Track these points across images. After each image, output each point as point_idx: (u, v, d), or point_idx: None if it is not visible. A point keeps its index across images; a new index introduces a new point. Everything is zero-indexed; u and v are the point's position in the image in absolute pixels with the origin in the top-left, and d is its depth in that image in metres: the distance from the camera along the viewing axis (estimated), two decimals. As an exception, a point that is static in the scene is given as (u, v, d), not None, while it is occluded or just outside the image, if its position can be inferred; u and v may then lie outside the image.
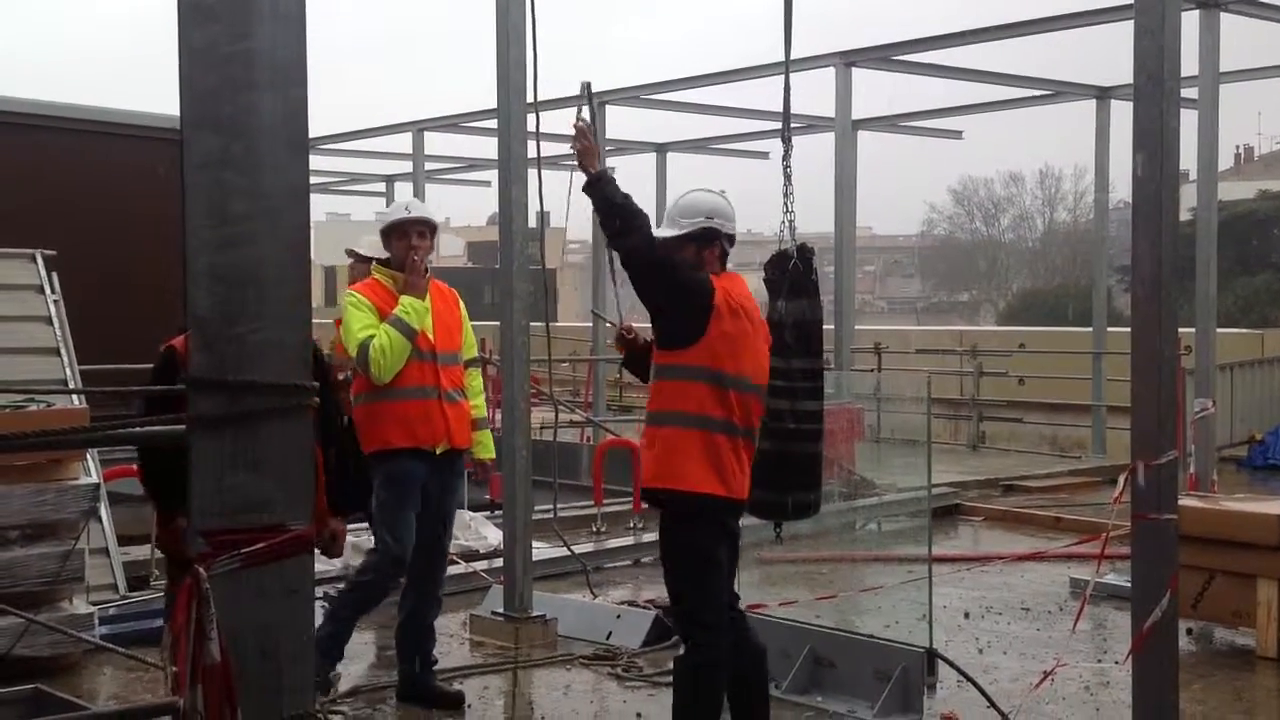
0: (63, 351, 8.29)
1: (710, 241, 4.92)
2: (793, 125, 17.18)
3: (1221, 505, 7.24)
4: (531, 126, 7.21)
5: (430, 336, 5.89)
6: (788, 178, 5.70)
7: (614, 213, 4.68)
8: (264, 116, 2.72)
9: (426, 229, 6.03)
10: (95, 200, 14.61)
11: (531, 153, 7.20)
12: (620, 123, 19.91)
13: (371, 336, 5.72)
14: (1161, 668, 4.73)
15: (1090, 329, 16.06)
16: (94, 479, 6.25)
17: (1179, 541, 6.95)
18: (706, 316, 4.72)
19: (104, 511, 7.85)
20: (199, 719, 2.66)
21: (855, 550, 9.45)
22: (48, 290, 8.48)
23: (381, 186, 23.64)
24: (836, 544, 9.05)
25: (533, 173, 7.23)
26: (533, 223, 7.76)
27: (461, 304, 6.25)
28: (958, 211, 64.42)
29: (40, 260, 8.57)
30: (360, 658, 6.85)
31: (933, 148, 18.26)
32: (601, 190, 4.72)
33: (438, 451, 5.84)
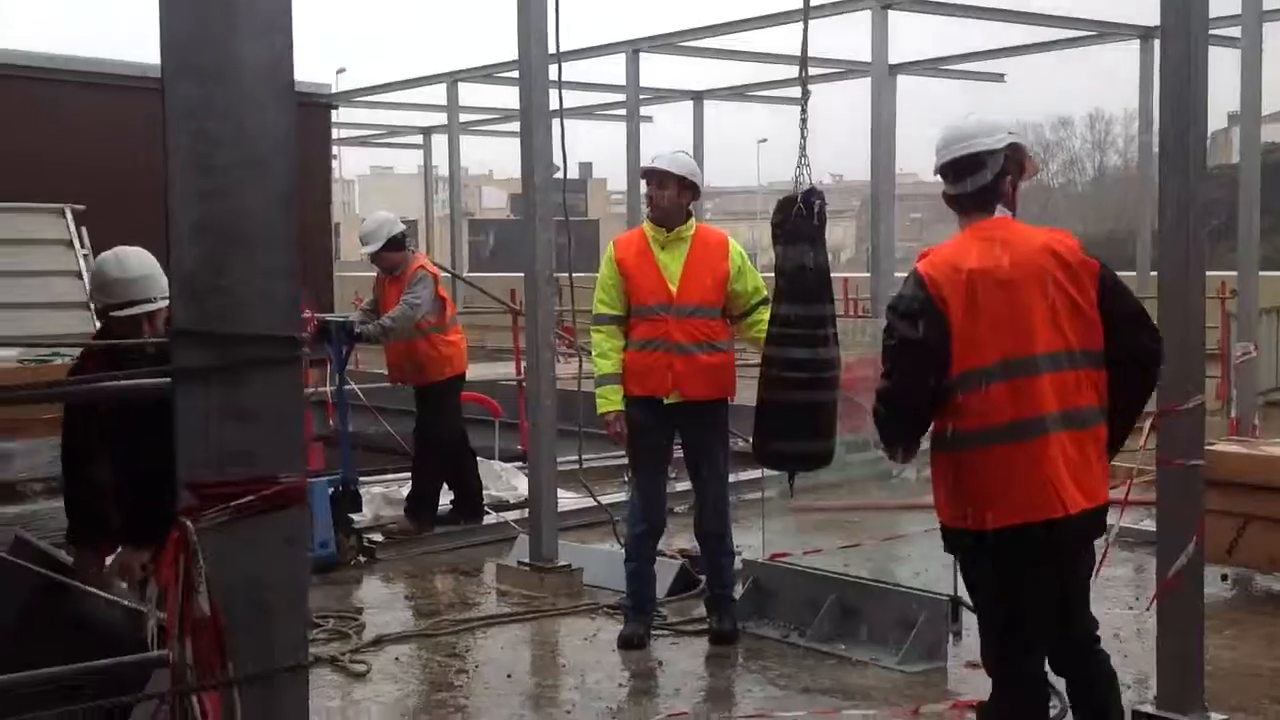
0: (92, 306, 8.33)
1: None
2: (831, 70, 17.03)
3: (1256, 450, 7.12)
4: (554, 75, 7.17)
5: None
6: (804, 123, 5.62)
7: (880, 434, 4.01)
8: (246, 65, 2.68)
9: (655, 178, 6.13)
10: (123, 154, 14.69)
11: (555, 103, 7.16)
12: (656, 71, 19.82)
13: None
14: (1186, 616, 4.67)
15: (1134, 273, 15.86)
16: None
17: (1212, 487, 6.90)
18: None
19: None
20: (189, 672, 2.66)
21: (888, 498, 9.39)
22: (77, 245, 8.52)
23: (420, 139, 23.64)
24: (871, 492, 8.98)
25: (556, 122, 7.21)
26: (571, 173, 7.73)
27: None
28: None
29: (69, 215, 8.62)
30: (386, 607, 6.90)
31: (978, 91, 17.96)
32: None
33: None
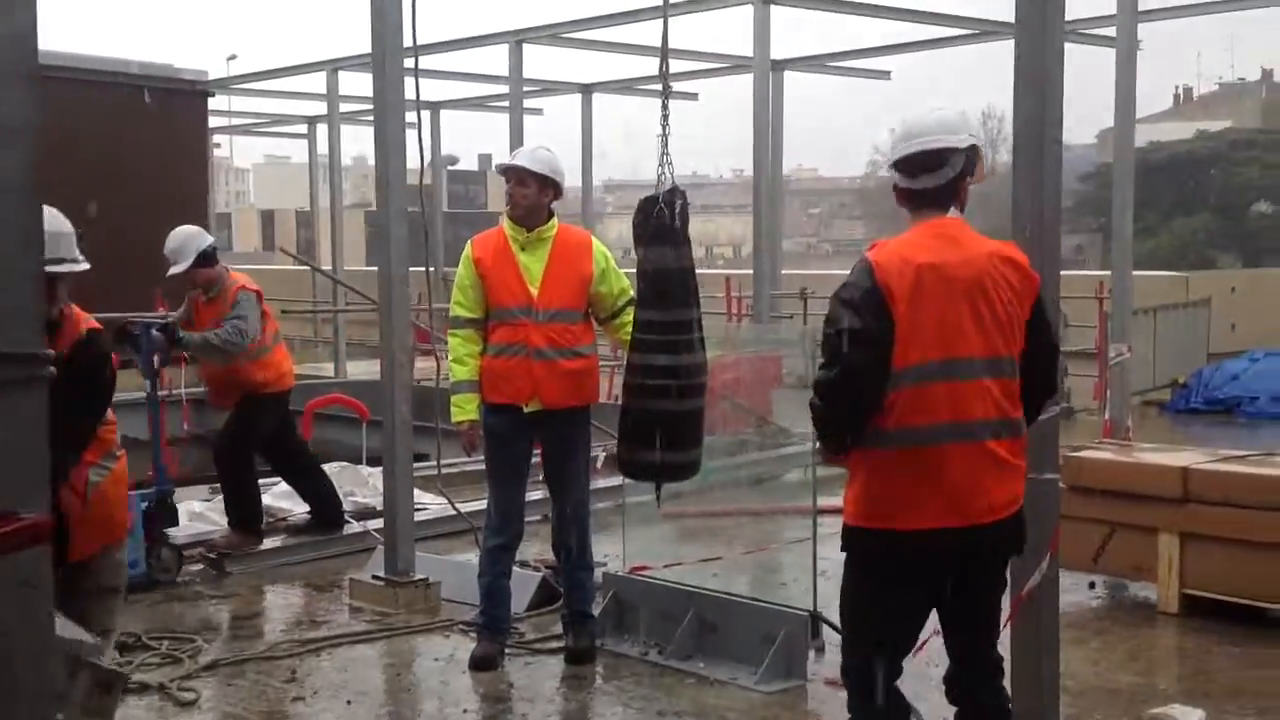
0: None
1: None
2: (719, 65, 16.80)
3: (1125, 455, 7.05)
4: (409, 64, 6.84)
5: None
6: (665, 120, 5.40)
7: (817, 430, 3.86)
8: (-28, 46, 2.38)
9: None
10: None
11: (410, 93, 6.84)
12: (543, 63, 19.53)
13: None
14: (1040, 635, 4.50)
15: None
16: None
17: (1078, 494, 6.82)
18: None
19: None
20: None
21: (774, 502, 9.22)
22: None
23: (304, 128, 23.07)
24: (753, 496, 8.80)
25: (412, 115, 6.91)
26: (470, 164, 7.38)
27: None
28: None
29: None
30: (228, 626, 6.55)
31: (864, 89, 17.99)
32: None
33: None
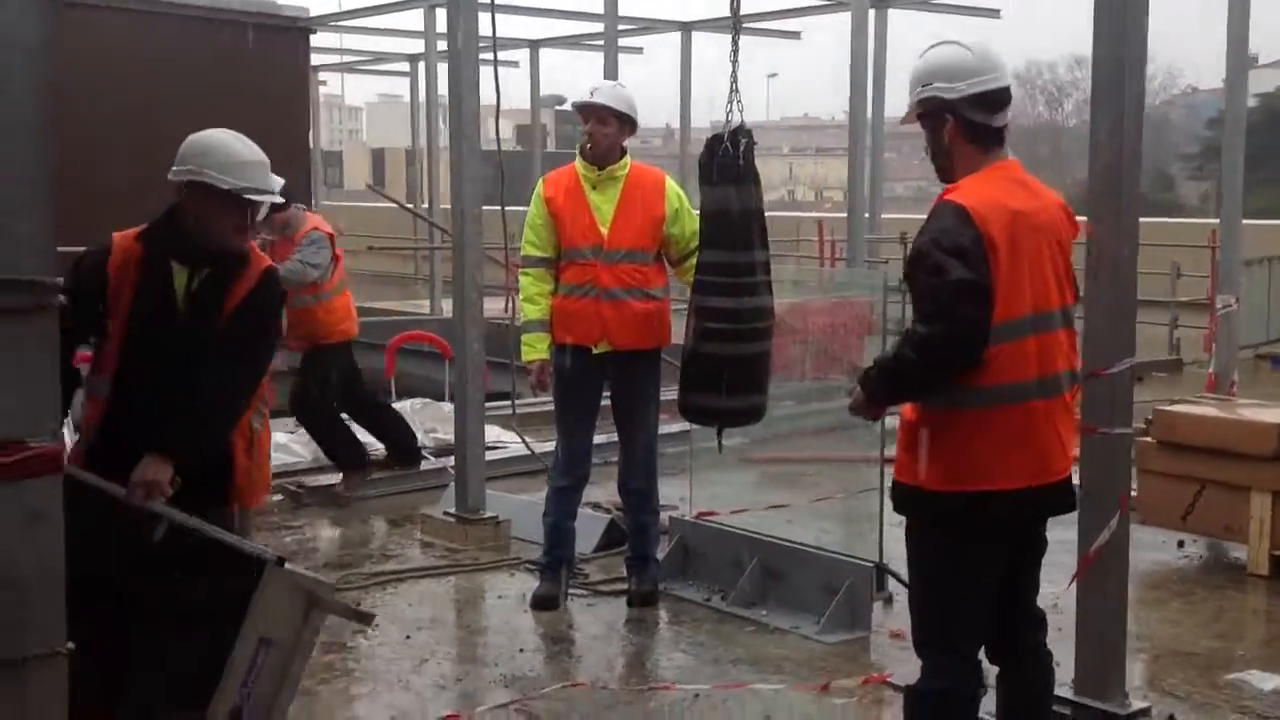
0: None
1: (940, 117, 3.57)
2: (822, 2, 16.29)
3: (1219, 411, 6.76)
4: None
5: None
6: (735, 53, 5.27)
7: (893, 386, 3.55)
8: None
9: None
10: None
11: (485, 29, 6.75)
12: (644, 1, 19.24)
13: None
14: (1107, 596, 4.35)
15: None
16: None
17: (1168, 450, 6.58)
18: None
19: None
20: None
21: (854, 450, 9.07)
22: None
23: (406, 66, 23.08)
24: (834, 444, 8.65)
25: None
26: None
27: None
28: (1020, 95, 62.92)
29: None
30: (301, 557, 6.61)
31: (982, 29, 17.32)
32: (876, 393, 3.58)
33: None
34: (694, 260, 5.63)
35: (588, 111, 5.75)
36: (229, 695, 3.53)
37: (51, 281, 2.52)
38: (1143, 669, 5.07)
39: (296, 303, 7.59)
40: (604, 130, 5.70)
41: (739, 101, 5.12)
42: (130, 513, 3.71)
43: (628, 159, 5.80)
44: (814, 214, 27.32)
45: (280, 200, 7.53)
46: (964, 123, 3.55)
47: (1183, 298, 15.34)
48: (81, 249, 4.04)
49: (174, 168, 3.90)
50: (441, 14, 17.34)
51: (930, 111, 3.58)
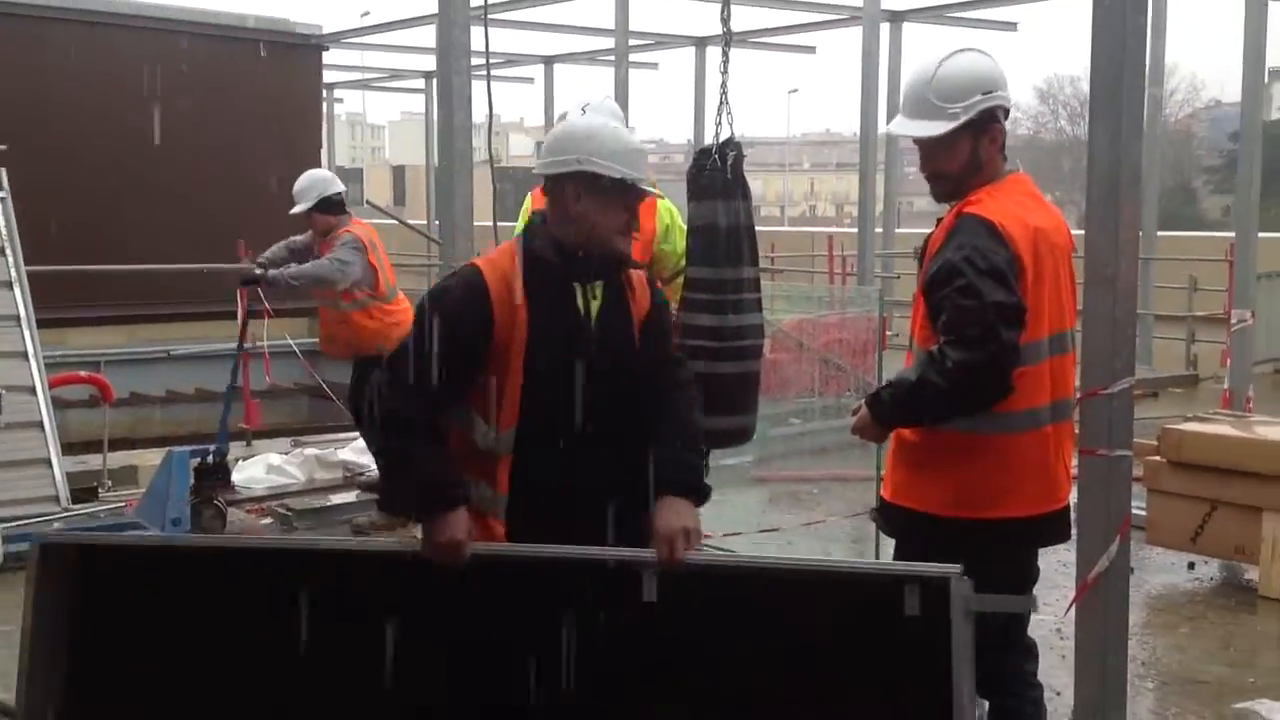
0: (8, 251, 7.90)
1: (987, 126, 3.47)
2: (836, 16, 16.19)
3: (1230, 429, 6.58)
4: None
5: None
6: (725, 62, 5.16)
7: (913, 412, 3.39)
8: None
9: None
10: (41, 91, 14.33)
11: (478, 44, 6.63)
12: (657, 16, 19.15)
13: None
14: (1107, 624, 4.14)
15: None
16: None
17: (1178, 469, 6.40)
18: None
19: (47, 420, 7.53)
20: None
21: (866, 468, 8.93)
22: (-7, 186, 8.08)
23: (422, 83, 23.06)
24: (848, 461, 8.51)
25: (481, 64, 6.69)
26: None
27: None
28: (1042, 110, 62.74)
29: (-12, 155, 8.17)
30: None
31: (998, 43, 17.21)
32: (888, 417, 3.44)
33: None
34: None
35: None
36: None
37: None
38: (1148, 698, 4.90)
39: (333, 308, 7.52)
40: None
41: (729, 114, 5.01)
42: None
43: None
44: (832, 229, 27.22)
45: (301, 208, 7.56)
46: (1002, 132, 3.48)
47: (1200, 312, 15.12)
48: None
49: (546, 160, 3.29)
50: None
51: (976, 121, 3.42)
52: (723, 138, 4.90)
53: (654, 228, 5.61)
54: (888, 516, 3.54)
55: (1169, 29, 14.73)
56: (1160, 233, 15.29)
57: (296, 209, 7.67)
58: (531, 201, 5.74)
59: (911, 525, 3.44)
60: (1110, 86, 3.98)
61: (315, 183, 7.67)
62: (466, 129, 6.61)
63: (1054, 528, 3.50)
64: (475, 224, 6.81)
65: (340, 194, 7.75)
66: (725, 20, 5.24)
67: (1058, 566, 5.84)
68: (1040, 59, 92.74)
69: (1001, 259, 3.21)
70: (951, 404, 3.27)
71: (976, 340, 3.17)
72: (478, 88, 6.75)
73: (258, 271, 7.49)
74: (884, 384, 3.47)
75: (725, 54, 5.16)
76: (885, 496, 3.53)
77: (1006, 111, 3.49)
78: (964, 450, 3.33)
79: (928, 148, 3.48)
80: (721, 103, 5.03)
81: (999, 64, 3.50)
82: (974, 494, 3.33)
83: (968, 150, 3.44)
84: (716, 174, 4.79)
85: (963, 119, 3.40)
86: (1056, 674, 4.75)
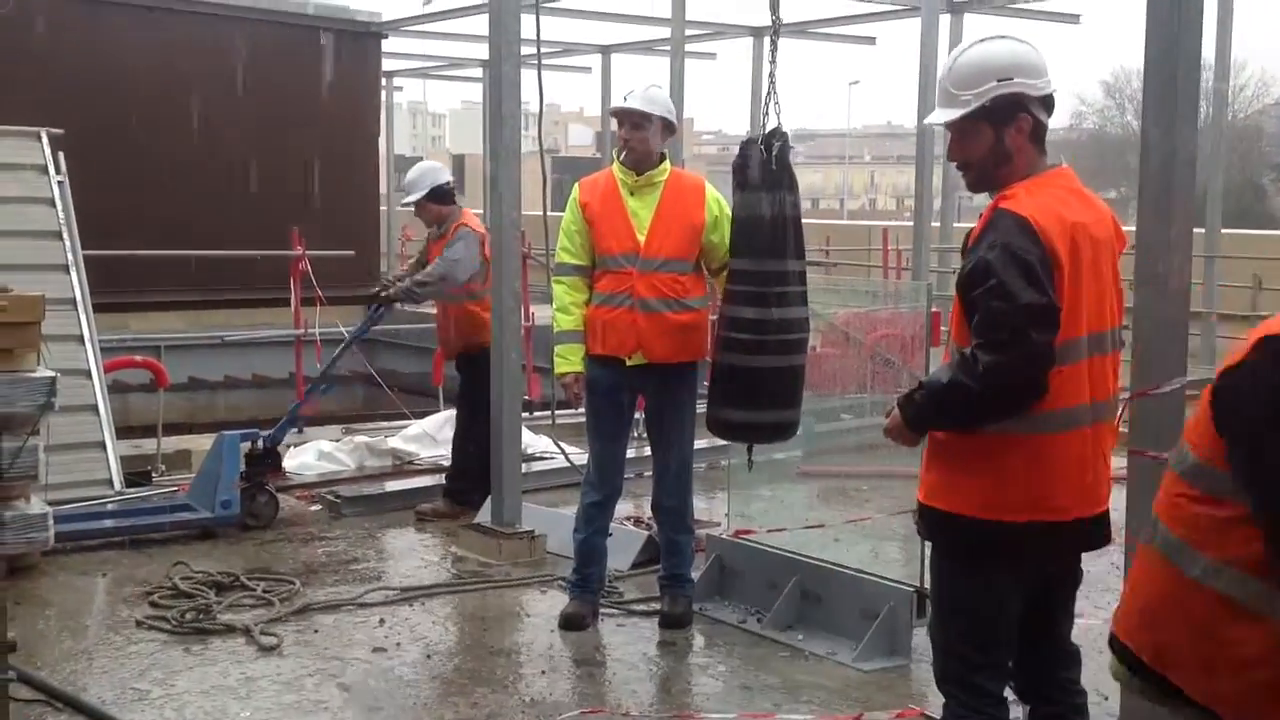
0: (65, 235, 7.99)
1: (1011, 115, 3.31)
2: (898, 7, 16.00)
3: None
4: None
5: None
6: (774, 50, 5.09)
7: (945, 414, 3.30)
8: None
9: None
10: (102, 78, 14.45)
11: (529, 31, 6.62)
12: (715, 5, 19.03)
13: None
14: (1155, 631, 4.06)
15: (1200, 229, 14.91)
16: (49, 373, 5.88)
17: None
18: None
19: (101, 404, 7.60)
20: None
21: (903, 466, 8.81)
22: (51, 171, 8.16)
23: (480, 72, 23.06)
24: (893, 458, 8.40)
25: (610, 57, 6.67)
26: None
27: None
28: (1109, 104, 61.71)
29: (45, 139, 8.25)
30: (330, 569, 6.49)
31: (1061, 34, 16.93)
32: (920, 419, 3.35)
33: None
34: None
35: (622, 116, 5.56)
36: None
37: None
38: (1197, 708, 4.76)
39: (453, 302, 7.48)
40: (639, 134, 5.50)
41: (776, 104, 4.95)
42: None
43: (667, 164, 5.60)
44: (890, 222, 26.98)
45: (413, 198, 7.52)
46: (1035, 123, 3.32)
47: (1264, 311, 14.82)
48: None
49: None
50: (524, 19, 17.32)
51: (997, 109, 3.29)
52: (769, 128, 4.83)
53: (703, 219, 5.52)
54: (921, 519, 3.46)
55: (1236, 24, 14.43)
56: (1225, 230, 14.98)
57: (409, 199, 7.64)
58: (578, 190, 5.70)
59: (944, 528, 3.36)
60: (1164, 80, 3.90)
61: (426, 173, 7.65)
62: (516, 117, 6.60)
63: (1092, 533, 3.37)
64: (524, 213, 6.81)
65: (450, 183, 7.73)
66: (774, 10, 5.17)
67: (1109, 568, 5.73)
68: (1107, 52, 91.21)
69: (1034, 257, 3.10)
70: (984, 407, 3.19)
71: (1007, 344, 3.09)
72: (531, 77, 6.75)
73: (382, 294, 7.51)
74: (916, 385, 3.38)
75: (774, 43, 5.10)
76: (919, 498, 3.44)
77: (1045, 102, 3.33)
78: (998, 451, 3.23)
79: (953, 136, 3.41)
80: (769, 93, 4.96)
81: (1037, 53, 3.35)
82: (1008, 496, 3.23)
83: (989, 139, 3.32)
84: (761, 165, 4.73)
85: (973, 105, 3.29)
86: (1105, 678, 4.65)
